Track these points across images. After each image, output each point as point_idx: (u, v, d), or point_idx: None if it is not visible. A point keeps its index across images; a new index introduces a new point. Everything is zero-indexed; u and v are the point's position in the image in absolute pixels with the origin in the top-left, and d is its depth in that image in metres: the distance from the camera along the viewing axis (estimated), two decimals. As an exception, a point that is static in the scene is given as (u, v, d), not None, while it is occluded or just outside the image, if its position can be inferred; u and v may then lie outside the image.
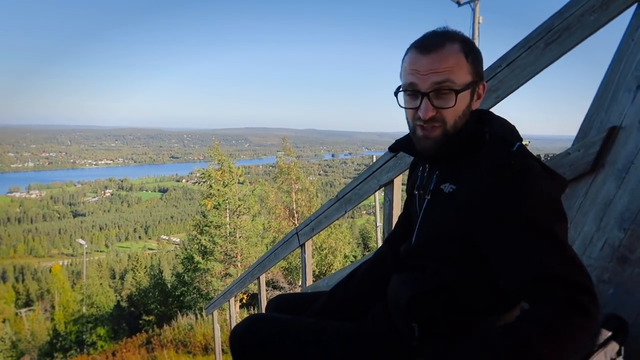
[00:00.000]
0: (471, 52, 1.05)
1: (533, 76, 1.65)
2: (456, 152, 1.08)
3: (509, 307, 1.09)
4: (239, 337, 1.33)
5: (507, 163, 0.96)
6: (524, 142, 1.08)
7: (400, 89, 1.10)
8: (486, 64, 1.76)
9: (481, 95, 1.10)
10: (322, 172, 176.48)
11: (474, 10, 13.25)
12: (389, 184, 2.42)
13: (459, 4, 13.48)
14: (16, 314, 30.30)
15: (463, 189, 1.04)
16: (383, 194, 2.59)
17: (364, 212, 76.15)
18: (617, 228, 1.45)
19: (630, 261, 1.41)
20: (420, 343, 1.12)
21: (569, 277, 0.88)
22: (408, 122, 1.13)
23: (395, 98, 1.12)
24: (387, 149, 2.21)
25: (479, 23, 13.19)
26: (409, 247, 1.20)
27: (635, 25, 1.41)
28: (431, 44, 1.04)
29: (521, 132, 1.11)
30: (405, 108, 1.11)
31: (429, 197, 1.14)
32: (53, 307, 30.28)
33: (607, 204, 1.48)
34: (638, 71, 1.40)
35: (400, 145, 1.22)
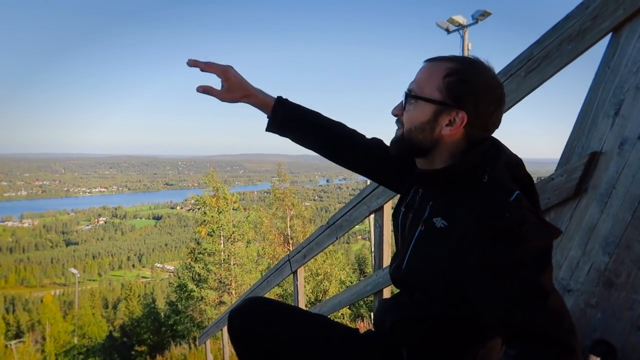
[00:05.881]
0: (454, 76, 1.05)
1: (515, 103, 1.68)
2: (449, 184, 1.07)
3: (493, 336, 1.11)
4: (239, 316, 1.35)
5: (501, 215, 0.93)
6: None
7: None
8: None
9: (455, 123, 1.05)
10: (317, 197, 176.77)
11: (462, 37, 13.55)
12: (379, 210, 2.43)
13: (448, 32, 13.80)
14: (6, 346, 29.55)
15: (455, 229, 1.02)
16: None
17: (360, 237, 75.91)
18: (602, 252, 1.46)
19: (616, 285, 1.42)
20: None
21: (548, 335, 0.88)
22: None
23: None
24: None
25: (468, 49, 13.47)
26: (399, 272, 1.20)
27: (611, 53, 1.45)
28: (434, 57, 1.11)
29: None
30: None
31: (422, 228, 1.11)
32: (44, 338, 29.64)
33: (592, 228, 1.50)
34: (615, 98, 1.43)
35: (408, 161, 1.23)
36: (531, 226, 0.93)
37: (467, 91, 1.04)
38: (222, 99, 1.30)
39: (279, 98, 1.37)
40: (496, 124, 1.07)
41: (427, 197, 1.15)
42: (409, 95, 1.10)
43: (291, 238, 21.76)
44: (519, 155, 1.09)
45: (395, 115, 1.15)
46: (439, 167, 1.09)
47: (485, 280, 0.95)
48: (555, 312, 0.89)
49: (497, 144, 1.09)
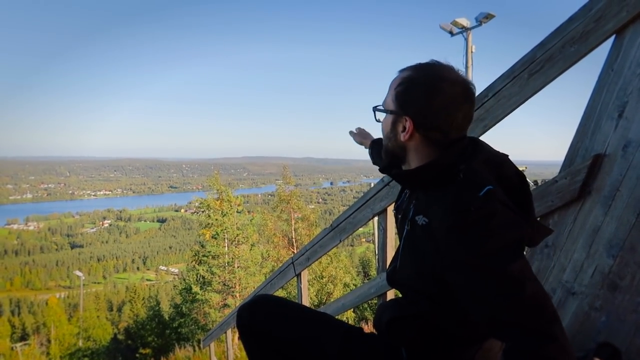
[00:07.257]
0: (402, 85, 1.11)
1: (519, 106, 1.68)
2: (425, 181, 1.10)
3: (488, 336, 1.12)
4: (248, 311, 1.43)
5: (467, 208, 0.95)
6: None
7: None
8: (479, 92, 1.81)
9: (407, 130, 1.10)
10: (320, 200, 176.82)
11: (466, 40, 13.54)
12: (383, 213, 2.43)
13: (452, 34, 13.79)
14: (11, 348, 29.62)
15: (432, 224, 1.05)
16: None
17: (364, 239, 75.81)
18: (606, 255, 1.46)
19: (620, 288, 1.42)
20: None
21: (527, 324, 0.87)
22: None
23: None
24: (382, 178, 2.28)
25: (471, 52, 13.46)
26: (395, 272, 1.25)
27: (614, 56, 1.45)
28: (401, 69, 1.16)
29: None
30: None
31: (408, 227, 1.16)
32: (49, 340, 29.71)
33: (596, 230, 1.49)
34: (619, 100, 1.43)
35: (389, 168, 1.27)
36: (501, 219, 0.94)
37: (410, 98, 1.10)
38: (355, 141, 1.99)
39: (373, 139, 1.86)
40: (454, 125, 1.08)
41: (412, 197, 1.19)
42: (374, 109, 1.20)
43: (295, 240, 21.75)
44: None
45: None
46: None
47: (459, 273, 0.96)
48: (533, 301, 0.88)
49: (476, 142, 1.12)
